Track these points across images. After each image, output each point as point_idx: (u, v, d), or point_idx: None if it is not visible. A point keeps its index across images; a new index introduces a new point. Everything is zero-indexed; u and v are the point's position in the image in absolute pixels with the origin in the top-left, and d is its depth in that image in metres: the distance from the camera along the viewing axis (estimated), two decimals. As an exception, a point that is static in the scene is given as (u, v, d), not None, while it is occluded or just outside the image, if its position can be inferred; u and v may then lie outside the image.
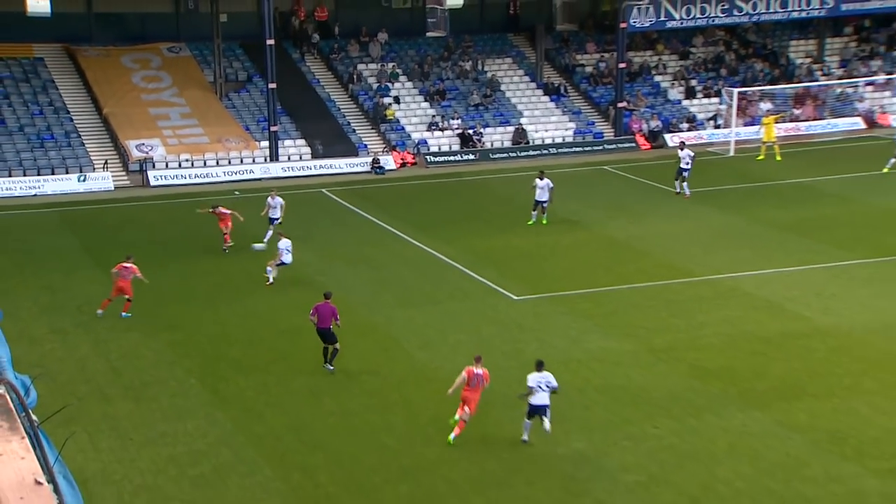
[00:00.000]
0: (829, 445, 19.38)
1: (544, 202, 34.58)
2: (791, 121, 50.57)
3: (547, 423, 19.23)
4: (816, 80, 52.92)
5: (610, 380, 22.54)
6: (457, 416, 19.72)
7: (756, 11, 49.72)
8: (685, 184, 38.34)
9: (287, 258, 28.85)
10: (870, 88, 53.02)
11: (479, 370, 19.68)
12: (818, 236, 32.22)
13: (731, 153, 46.55)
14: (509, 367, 22.46)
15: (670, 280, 29.06)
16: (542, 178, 34.69)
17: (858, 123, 49.82)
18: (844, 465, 18.62)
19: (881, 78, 52.67)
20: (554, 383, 19.30)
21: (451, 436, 19.55)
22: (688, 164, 38.05)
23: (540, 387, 19.23)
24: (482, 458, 19.19)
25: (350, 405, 21.30)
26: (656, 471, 18.66)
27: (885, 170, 40.08)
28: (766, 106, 50.92)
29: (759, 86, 51.81)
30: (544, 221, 34.67)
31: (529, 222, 34.80)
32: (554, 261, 30.77)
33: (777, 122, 46.24)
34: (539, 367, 19.47)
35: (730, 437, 19.80)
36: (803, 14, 50.43)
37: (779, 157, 44.17)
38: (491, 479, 18.53)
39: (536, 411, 19.31)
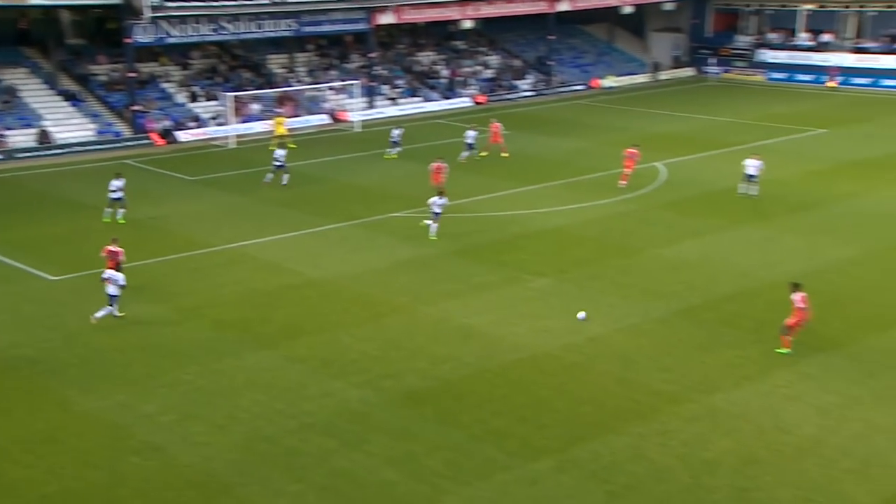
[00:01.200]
0: (322, 369, 20.31)
1: (119, 199, 31.33)
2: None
3: None
4: (292, 86, 54.49)
5: (147, 339, 21.67)
6: None
7: (239, 31, 50.04)
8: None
9: None
10: (331, 92, 55.77)
11: None
12: (305, 209, 33.31)
13: (232, 145, 46.51)
14: (53, 337, 20.66)
15: (192, 252, 28.48)
16: (118, 179, 31.54)
17: (326, 119, 52.21)
18: (333, 383, 19.66)
19: (338, 84, 55.64)
20: None
21: None
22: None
23: None
24: (30, 420, 17.54)
25: None
26: (189, 409, 18.36)
27: (386, 156, 41.37)
28: (257, 107, 51.44)
29: (249, 90, 52.20)
30: (121, 221, 31.35)
31: (105, 220, 31.47)
32: (89, 244, 28.71)
33: (284, 121, 46.95)
34: None
35: (247, 374, 20.01)
36: (275, 33, 51.77)
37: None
38: (44, 438, 17.01)
39: None
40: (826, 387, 19.37)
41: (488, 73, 63.09)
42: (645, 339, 21.77)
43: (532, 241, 29.72)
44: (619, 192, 34.96)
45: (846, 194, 34.36)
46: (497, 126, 42.27)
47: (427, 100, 58.03)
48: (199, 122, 49.54)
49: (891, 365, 20.30)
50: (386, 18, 55.19)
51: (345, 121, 52.95)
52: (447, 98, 58.81)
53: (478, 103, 59.04)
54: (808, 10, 66.27)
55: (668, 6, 67.70)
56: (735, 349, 21.11)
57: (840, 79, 62.56)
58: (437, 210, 29.36)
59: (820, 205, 33.10)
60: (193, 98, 51.20)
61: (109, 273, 22.40)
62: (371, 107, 55.67)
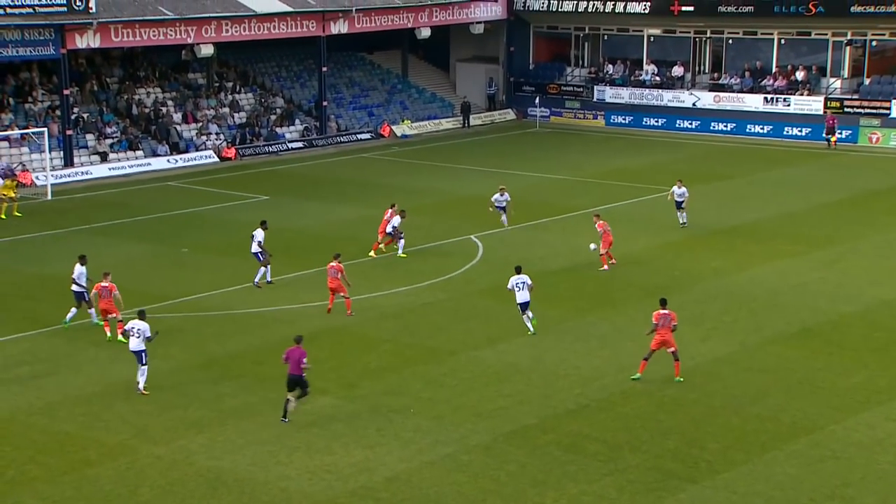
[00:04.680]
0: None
1: None
2: None
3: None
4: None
5: None
6: None
7: None
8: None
9: None
10: (4, 144, 53.84)
11: None
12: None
13: None
14: None
15: None
16: None
17: None
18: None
19: (15, 132, 53.86)
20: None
21: None
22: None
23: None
24: None
25: None
26: None
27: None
28: None
29: None
30: None
31: None
32: None
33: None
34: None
35: None
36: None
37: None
38: None
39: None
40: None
41: (238, 118, 63.34)
42: (463, 475, 22.04)
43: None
44: (423, 276, 35.72)
45: (712, 272, 36.80)
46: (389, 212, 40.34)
47: (153, 154, 57.34)
48: None
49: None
50: (87, 41, 54.30)
51: (28, 185, 51.20)
52: (181, 152, 58.36)
53: (224, 158, 58.99)
54: (654, 35, 71.64)
55: (477, 29, 71.07)
56: (581, 483, 21.76)
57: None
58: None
59: (680, 286, 35.13)
60: None
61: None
62: (68, 165, 54.22)
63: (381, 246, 38.60)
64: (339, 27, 63.78)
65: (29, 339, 30.23)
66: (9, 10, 50.54)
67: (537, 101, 71.32)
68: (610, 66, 72.42)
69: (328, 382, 26.80)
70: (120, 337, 28.88)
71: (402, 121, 68.36)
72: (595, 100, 71.02)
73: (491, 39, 74.38)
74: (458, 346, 29.48)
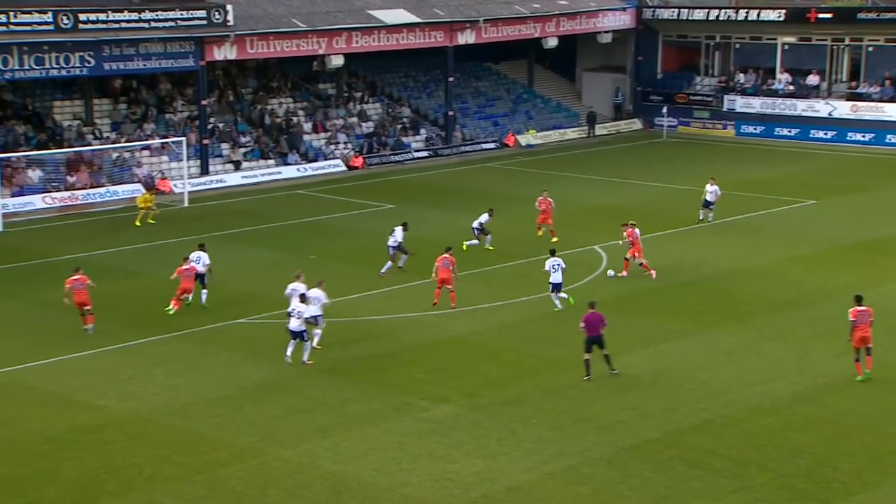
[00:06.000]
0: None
1: None
2: (67, 189, 51.08)
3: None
4: (89, 144, 54.17)
5: None
6: None
7: (8, 68, 49.14)
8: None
9: None
10: (146, 153, 55.68)
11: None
12: (108, 315, 32.81)
13: (0, 228, 45.68)
14: None
15: (-65, 382, 27.69)
16: None
17: (138, 189, 51.70)
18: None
19: (156, 142, 55.60)
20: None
21: None
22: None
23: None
24: None
25: None
26: None
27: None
28: (36, 174, 50.87)
29: (25, 151, 51.63)
30: None
31: None
32: None
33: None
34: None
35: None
36: (65, 72, 51.25)
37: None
38: None
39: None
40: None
41: (366, 127, 64.32)
42: (585, 487, 22.05)
43: (428, 355, 29.99)
44: (545, 286, 35.77)
45: (845, 287, 35.95)
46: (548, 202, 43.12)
47: (283, 163, 58.59)
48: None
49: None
50: (224, 53, 55.87)
51: (166, 192, 52.83)
52: (310, 161, 59.53)
53: (352, 167, 59.95)
54: (789, 43, 70.39)
55: (605, 38, 70.85)
56: (706, 499, 21.56)
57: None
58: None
59: (812, 301, 34.54)
60: (-56, 162, 50.33)
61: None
62: (204, 173, 55.80)
63: (540, 233, 42.19)
64: (466, 37, 64.32)
65: (164, 343, 31.14)
66: (152, 24, 52.36)
67: (665, 110, 70.73)
68: (741, 74, 71.46)
69: (449, 391, 27.08)
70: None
71: (527, 130, 68.51)
72: (725, 109, 70.20)
73: (618, 48, 74.06)
74: (579, 357, 29.44)
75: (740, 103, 69.82)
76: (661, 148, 66.72)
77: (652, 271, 36.77)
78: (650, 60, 74.56)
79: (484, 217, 40.70)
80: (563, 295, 33.27)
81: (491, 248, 40.51)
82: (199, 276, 34.23)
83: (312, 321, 29.54)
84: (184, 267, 33.31)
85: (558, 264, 33.05)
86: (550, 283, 33.15)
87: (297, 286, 30.56)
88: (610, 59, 75.39)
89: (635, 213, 42.33)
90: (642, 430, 24.72)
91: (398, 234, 37.82)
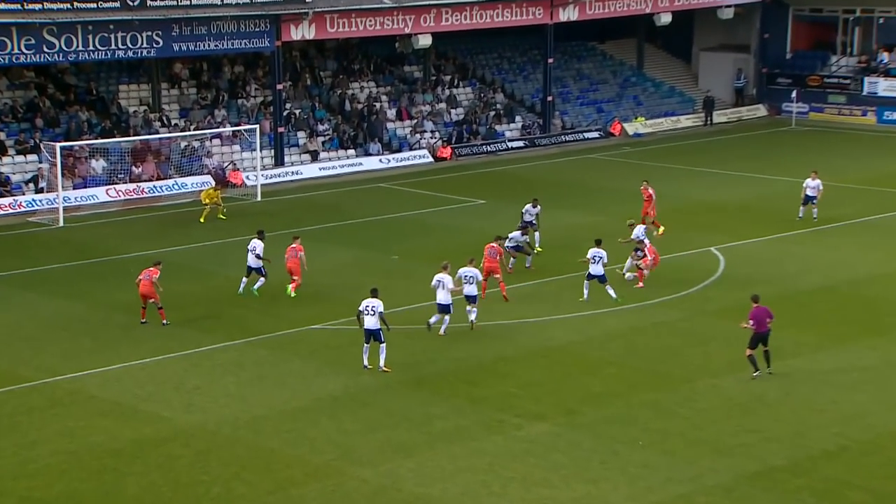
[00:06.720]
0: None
1: None
2: (132, 180, 51.87)
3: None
4: (156, 132, 54.97)
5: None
6: None
7: (72, 49, 49.88)
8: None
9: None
10: (216, 142, 56.36)
11: None
12: (175, 318, 33.38)
13: (61, 223, 46.68)
14: None
15: (-9, 389, 28.42)
16: None
17: (208, 181, 52.35)
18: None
19: (227, 130, 56.21)
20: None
21: None
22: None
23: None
24: None
25: None
26: None
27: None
28: (100, 164, 51.75)
29: (88, 139, 52.52)
30: None
31: None
32: None
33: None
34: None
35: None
36: (130, 53, 51.91)
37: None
38: None
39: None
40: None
41: (455, 114, 64.48)
42: (699, 519, 21.95)
43: (522, 366, 30.00)
44: (654, 292, 35.58)
45: None
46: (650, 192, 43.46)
47: (364, 153, 58.97)
48: (8, 186, 49.76)
49: None
50: (301, 32, 56.40)
51: (238, 185, 53.50)
52: (394, 151, 59.83)
53: (439, 158, 60.14)
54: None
55: (726, 13, 70.08)
56: (838, 535, 21.34)
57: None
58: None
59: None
60: (0, 150, 51.57)
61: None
62: (279, 164, 56.39)
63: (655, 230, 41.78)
64: (568, 14, 64.07)
65: (237, 348, 31.55)
66: (225, 1, 52.95)
67: (794, 95, 69.70)
68: (885, 54, 70.15)
69: (545, 407, 27.06)
70: None
71: (636, 118, 68.14)
72: (865, 93, 69.12)
73: (741, 25, 73.18)
74: (693, 372, 29.25)
75: (883, 86, 68.62)
76: (789, 137, 65.87)
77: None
78: (778, 38, 73.67)
79: (529, 207, 40.79)
80: (610, 292, 34.21)
81: (539, 249, 40.29)
82: (257, 269, 35.63)
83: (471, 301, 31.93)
84: (292, 245, 35.49)
85: (600, 257, 34.09)
86: (591, 273, 34.33)
87: (443, 277, 31.42)
88: (731, 37, 74.56)
89: (757, 210, 41.93)
90: (766, 456, 24.44)
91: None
